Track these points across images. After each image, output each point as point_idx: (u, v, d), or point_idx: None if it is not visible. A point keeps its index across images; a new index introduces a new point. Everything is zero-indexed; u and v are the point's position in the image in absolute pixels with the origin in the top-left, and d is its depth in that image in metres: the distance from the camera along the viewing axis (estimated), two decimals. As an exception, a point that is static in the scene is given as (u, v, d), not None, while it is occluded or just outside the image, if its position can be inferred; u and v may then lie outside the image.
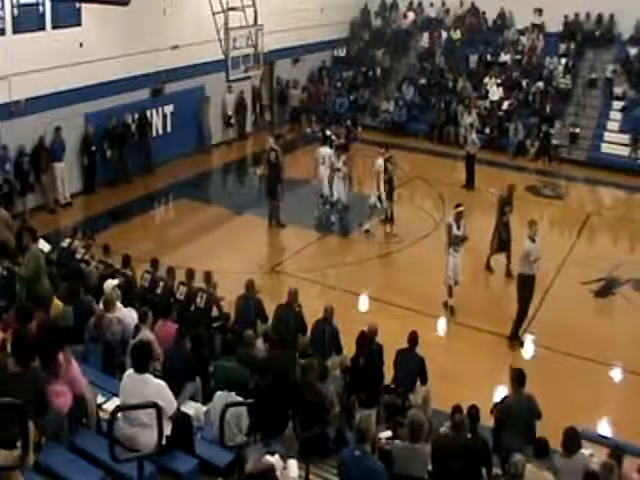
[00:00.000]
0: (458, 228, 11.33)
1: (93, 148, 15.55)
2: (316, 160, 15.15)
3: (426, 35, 24.14)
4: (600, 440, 7.75)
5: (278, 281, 12.69)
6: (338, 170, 14.74)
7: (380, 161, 14.47)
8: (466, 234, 11.42)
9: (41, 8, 13.90)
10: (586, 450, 6.53)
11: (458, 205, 11.58)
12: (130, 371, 5.45)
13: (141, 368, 5.33)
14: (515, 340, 10.70)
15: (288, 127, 21.89)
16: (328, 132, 17.30)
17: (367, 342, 8.23)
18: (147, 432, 5.13)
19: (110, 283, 8.54)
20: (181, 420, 5.65)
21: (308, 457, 6.02)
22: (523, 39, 23.17)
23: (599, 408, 9.39)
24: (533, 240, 10.39)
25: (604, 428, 8.84)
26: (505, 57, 22.84)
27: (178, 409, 5.61)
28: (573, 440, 6.24)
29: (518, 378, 7.12)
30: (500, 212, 12.82)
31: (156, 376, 5.61)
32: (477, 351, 10.37)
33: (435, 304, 11.65)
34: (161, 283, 9.66)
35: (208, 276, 9.71)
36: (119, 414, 5.16)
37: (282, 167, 14.65)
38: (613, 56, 21.84)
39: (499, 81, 21.73)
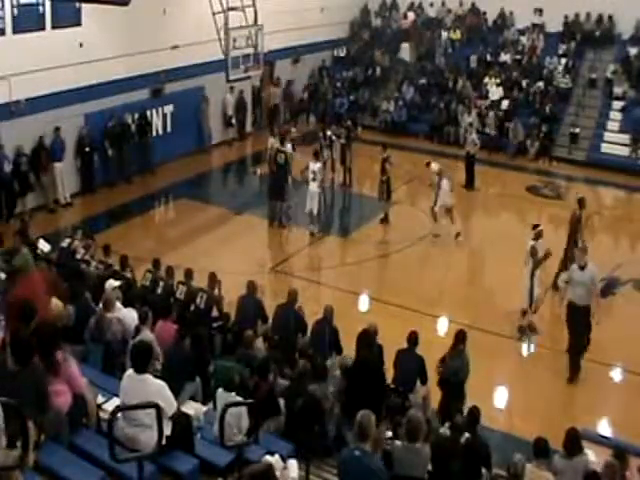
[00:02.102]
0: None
1: (87, 149, 15.41)
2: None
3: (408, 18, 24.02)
4: (601, 440, 7.75)
5: (278, 281, 12.69)
6: (313, 173, 14.26)
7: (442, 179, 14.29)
8: (549, 251, 10.74)
9: (41, 8, 13.90)
10: (589, 451, 6.52)
11: (536, 225, 11.14)
12: (130, 371, 5.45)
13: (141, 369, 5.33)
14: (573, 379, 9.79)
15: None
16: (328, 132, 17.30)
17: (367, 342, 8.23)
18: (147, 432, 5.13)
19: (111, 283, 8.53)
20: (181, 420, 5.64)
21: (307, 458, 6.03)
22: (523, 39, 23.19)
23: (599, 408, 9.39)
24: (582, 268, 9.64)
25: (604, 428, 8.84)
26: (505, 57, 22.86)
27: (178, 409, 5.61)
28: (575, 442, 6.23)
29: (464, 338, 8.24)
30: (574, 230, 12.02)
31: (156, 376, 5.61)
32: (478, 351, 10.34)
33: (435, 304, 11.65)
34: (161, 283, 9.66)
35: (213, 277, 9.69)
36: (119, 414, 5.15)
37: (291, 169, 14.60)
38: (613, 56, 21.85)
39: (499, 81, 21.74)
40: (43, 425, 4.77)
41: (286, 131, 16.63)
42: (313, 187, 14.26)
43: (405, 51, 23.73)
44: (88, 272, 9.49)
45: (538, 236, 10.92)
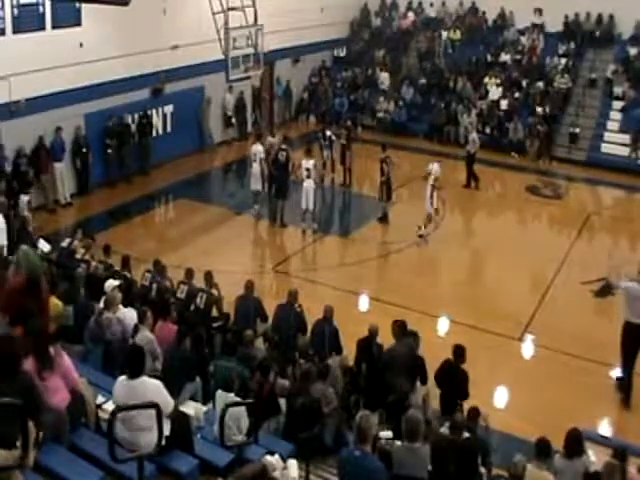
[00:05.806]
0: None
1: (84, 150, 15.34)
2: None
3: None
4: (601, 440, 7.74)
5: (278, 281, 12.69)
6: (307, 170, 14.24)
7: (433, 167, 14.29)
8: None
9: (41, 8, 13.90)
10: (590, 452, 6.51)
11: None
12: (123, 377, 5.34)
13: (136, 373, 5.27)
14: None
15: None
16: (328, 132, 17.30)
17: (369, 345, 8.25)
18: (146, 435, 5.09)
19: (111, 283, 8.52)
20: (181, 420, 5.64)
21: (306, 458, 6.03)
22: (523, 39, 23.17)
23: (599, 408, 9.38)
24: None
25: (605, 428, 8.83)
26: (505, 57, 22.84)
27: (178, 409, 5.60)
28: (576, 442, 6.22)
29: (402, 325, 8.27)
30: None
31: (155, 376, 5.60)
32: (477, 351, 10.34)
33: (435, 304, 11.64)
34: (154, 285, 9.62)
35: (208, 276, 9.71)
36: (117, 418, 5.12)
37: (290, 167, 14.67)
38: (613, 56, 21.83)
39: (499, 81, 21.73)
40: (43, 425, 4.75)
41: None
42: (308, 184, 14.26)
43: (385, 79, 23.44)
44: (79, 273, 9.32)
45: None
